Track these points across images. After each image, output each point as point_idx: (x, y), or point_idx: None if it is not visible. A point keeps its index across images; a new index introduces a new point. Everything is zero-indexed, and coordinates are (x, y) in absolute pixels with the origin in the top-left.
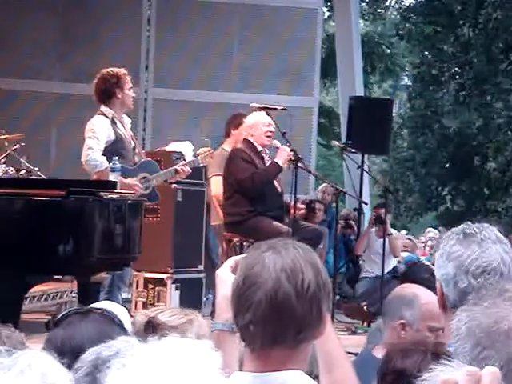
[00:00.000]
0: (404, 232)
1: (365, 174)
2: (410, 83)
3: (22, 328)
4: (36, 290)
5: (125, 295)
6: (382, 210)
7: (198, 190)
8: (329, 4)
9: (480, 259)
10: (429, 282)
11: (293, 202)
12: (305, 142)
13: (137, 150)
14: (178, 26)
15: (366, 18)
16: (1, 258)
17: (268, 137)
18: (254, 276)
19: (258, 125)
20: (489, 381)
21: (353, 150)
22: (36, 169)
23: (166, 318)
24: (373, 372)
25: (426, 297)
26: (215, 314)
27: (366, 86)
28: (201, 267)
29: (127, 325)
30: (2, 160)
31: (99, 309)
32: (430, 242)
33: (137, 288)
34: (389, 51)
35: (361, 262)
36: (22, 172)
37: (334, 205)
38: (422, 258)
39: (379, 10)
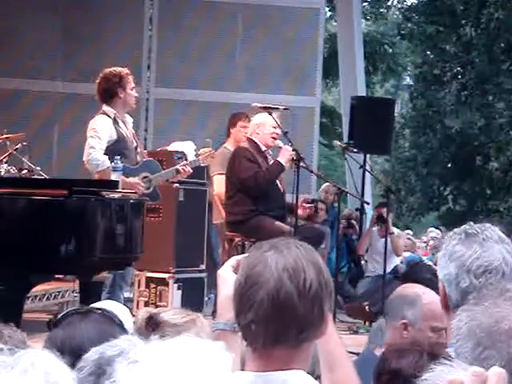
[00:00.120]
0: (410, 232)
1: (367, 173)
2: (411, 83)
3: (24, 327)
4: (38, 289)
5: (127, 295)
6: (384, 210)
7: (200, 190)
8: (331, 4)
9: (482, 259)
10: (430, 282)
11: (295, 202)
12: (307, 142)
13: (139, 150)
14: (180, 26)
15: (368, 17)
16: (3, 258)
17: (273, 138)
18: (256, 275)
19: (265, 125)
20: (495, 381)
21: (355, 150)
22: (38, 168)
23: (168, 316)
24: None
25: (428, 297)
26: (217, 313)
27: (367, 86)
28: (203, 267)
29: (129, 324)
30: (4, 159)
31: (99, 309)
32: (431, 242)
33: (139, 287)
34: (391, 51)
35: (363, 261)
36: (24, 171)
37: (336, 205)
38: (424, 258)
39: (381, 10)
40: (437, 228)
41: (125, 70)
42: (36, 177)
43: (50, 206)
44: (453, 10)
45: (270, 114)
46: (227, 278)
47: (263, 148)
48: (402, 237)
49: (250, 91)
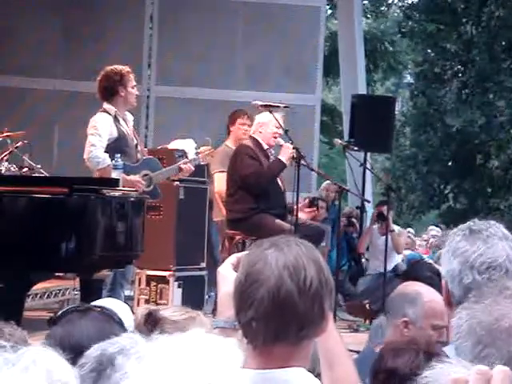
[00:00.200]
0: (411, 230)
1: (367, 171)
2: (412, 81)
3: (25, 325)
4: (38, 287)
5: (127, 293)
6: (385, 207)
7: (200, 188)
8: (331, 2)
9: (485, 255)
10: (431, 280)
11: (296, 201)
12: (307, 140)
13: (139, 148)
14: (180, 24)
15: (369, 16)
16: (3, 256)
17: (275, 138)
18: (256, 273)
19: (268, 124)
20: (500, 379)
21: (355, 148)
22: (38, 166)
23: (167, 313)
24: None
25: (429, 295)
26: (217, 311)
27: (368, 84)
28: (203, 265)
29: (130, 322)
30: (5, 157)
31: (98, 307)
32: (432, 240)
33: (139, 285)
34: (391, 49)
35: (363, 259)
36: (25, 169)
37: (336, 202)
38: (425, 257)
39: (382, 8)
40: (437, 226)
41: (126, 68)
42: (36, 175)
43: (50, 203)
44: (453, 8)
45: (271, 112)
46: (227, 275)
47: (265, 146)
48: (402, 234)
49: (250, 89)
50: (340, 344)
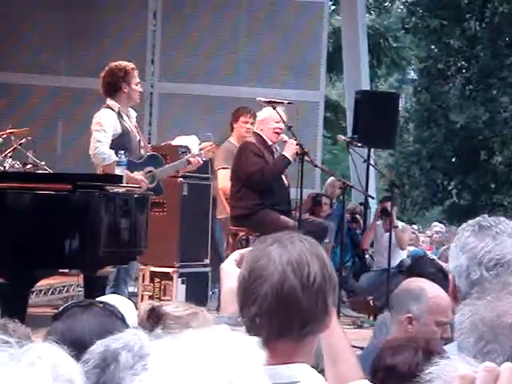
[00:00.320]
0: (415, 227)
1: (371, 168)
2: (416, 77)
3: (29, 322)
4: (42, 283)
5: (131, 289)
6: (389, 203)
7: (204, 184)
8: None
9: (494, 252)
10: (434, 276)
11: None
12: (311, 136)
13: (142, 144)
14: (183, 21)
15: (372, 11)
16: (7, 252)
17: (276, 133)
18: (260, 269)
19: (268, 120)
20: (507, 377)
21: (359, 144)
22: (42, 163)
23: (170, 309)
24: None
25: (433, 291)
26: (220, 307)
27: (371, 80)
28: (207, 261)
29: (133, 318)
30: (9, 154)
31: (101, 302)
32: (435, 236)
33: (143, 282)
34: (395, 44)
35: (367, 256)
36: (29, 166)
37: (341, 198)
38: (429, 253)
39: (385, 4)
40: (441, 222)
41: (130, 65)
42: (40, 171)
43: (54, 200)
44: (457, 3)
45: (275, 109)
46: (230, 271)
47: (269, 143)
48: (406, 230)
49: (254, 86)
50: (343, 340)
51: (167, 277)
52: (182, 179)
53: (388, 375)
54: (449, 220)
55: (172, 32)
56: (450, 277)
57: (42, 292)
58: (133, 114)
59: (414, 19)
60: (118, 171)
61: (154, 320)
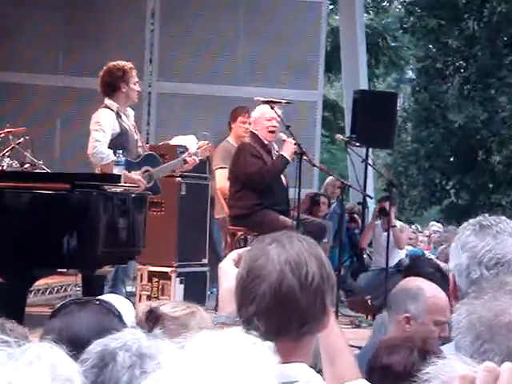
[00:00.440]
0: (417, 226)
1: (369, 167)
2: (414, 77)
3: (26, 321)
4: (40, 283)
5: (129, 289)
6: (387, 203)
7: (202, 184)
8: None
9: (494, 251)
10: (432, 276)
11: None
12: (309, 136)
13: (140, 143)
14: (181, 20)
15: (370, 11)
16: (5, 252)
17: (270, 132)
18: (258, 268)
19: (260, 119)
20: (507, 377)
21: (357, 144)
22: (40, 162)
23: (168, 310)
24: None
25: (431, 290)
26: (218, 307)
27: (370, 80)
28: (205, 261)
29: (131, 318)
30: (7, 153)
31: (98, 300)
32: (433, 236)
33: (141, 281)
34: (393, 44)
35: (365, 255)
36: (27, 165)
37: (339, 198)
38: (427, 252)
39: (383, 4)
40: (438, 222)
41: (129, 65)
42: (38, 171)
43: (52, 199)
44: (455, 3)
45: (272, 108)
46: (228, 271)
47: (266, 142)
48: (405, 230)
49: (252, 85)
50: (341, 339)
51: (165, 276)
52: (179, 179)
53: (384, 375)
54: (447, 219)
55: (170, 32)
56: (451, 275)
57: (40, 291)
58: (131, 113)
59: (412, 19)
60: (116, 171)
61: (152, 321)
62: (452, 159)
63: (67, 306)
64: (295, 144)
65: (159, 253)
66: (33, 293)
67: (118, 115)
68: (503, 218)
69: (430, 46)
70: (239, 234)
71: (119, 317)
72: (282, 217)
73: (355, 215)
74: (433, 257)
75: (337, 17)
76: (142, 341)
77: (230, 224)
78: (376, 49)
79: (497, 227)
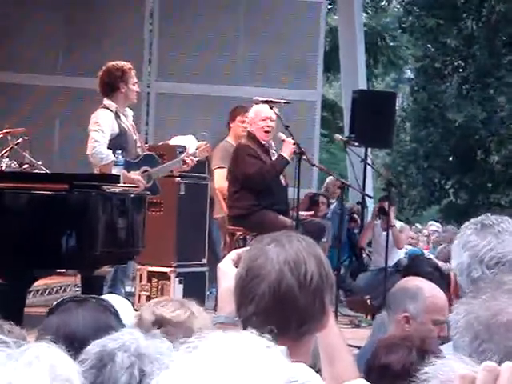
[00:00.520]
0: (418, 225)
1: (368, 167)
2: (412, 76)
3: (25, 322)
4: (39, 283)
5: (128, 289)
6: (386, 203)
7: (201, 184)
8: None
9: (495, 250)
10: (431, 276)
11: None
12: (308, 136)
13: (138, 143)
14: (180, 20)
15: (369, 11)
16: (4, 253)
17: (266, 131)
18: (257, 268)
19: (255, 119)
20: (507, 376)
21: (356, 144)
22: (39, 162)
23: (170, 314)
24: None
25: (430, 290)
26: (217, 306)
27: (368, 79)
28: (204, 261)
29: (131, 318)
30: (5, 154)
31: (95, 297)
32: (433, 236)
33: (140, 282)
34: (392, 43)
35: (364, 255)
36: (25, 166)
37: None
38: (426, 252)
39: (382, 3)
40: (437, 221)
41: (128, 65)
42: (37, 171)
43: (51, 200)
44: (454, 3)
45: (272, 108)
46: (227, 271)
47: (263, 141)
48: (404, 230)
49: (251, 85)
50: (340, 339)
51: (164, 276)
52: (179, 179)
53: (382, 374)
54: (446, 219)
55: (169, 32)
56: (452, 274)
57: (39, 292)
58: (129, 113)
59: (410, 18)
60: (115, 171)
61: (157, 328)
62: (451, 159)
63: (64, 303)
64: (294, 144)
65: (158, 253)
66: (32, 293)
67: (117, 115)
68: (505, 217)
69: (429, 46)
70: (238, 234)
71: (116, 315)
72: (281, 217)
73: (355, 215)
74: (432, 256)
75: (335, 16)
76: (141, 341)
77: (229, 224)
78: (375, 48)
79: (498, 226)
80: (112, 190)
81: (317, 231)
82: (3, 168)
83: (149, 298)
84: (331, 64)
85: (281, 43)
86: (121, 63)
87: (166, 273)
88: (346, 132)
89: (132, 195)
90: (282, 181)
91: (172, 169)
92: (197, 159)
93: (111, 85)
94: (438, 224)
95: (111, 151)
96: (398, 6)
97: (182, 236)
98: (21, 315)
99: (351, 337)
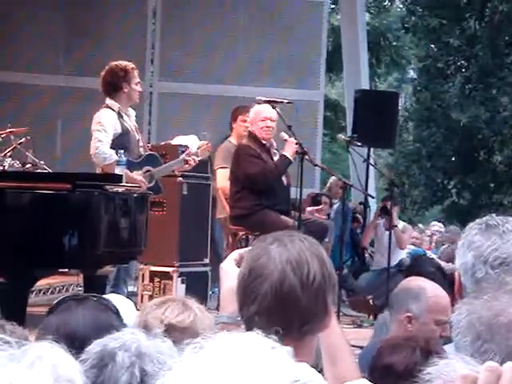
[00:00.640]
0: (421, 226)
1: (370, 167)
2: (415, 76)
3: (28, 321)
4: (42, 283)
5: (131, 288)
6: (389, 202)
7: (203, 184)
8: None
9: (500, 250)
10: (434, 276)
11: (299, 197)
12: (311, 136)
13: (141, 143)
14: (183, 20)
15: (372, 11)
16: (7, 252)
17: (266, 132)
18: (259, 268)
19: (255, 119)
20: (509, 376)
21: (358, 144)
22: (42, 162)
23: (174, 319)
24: None
25: (432, 290)
26: (220, 306)
27: (371, 79)
28: (206, 261)
29: (133, 318)
30: (8, 153)
31: (95, 296)
32: (435, 236)
33: (143, 281)
34: (394, 43)
35: (366, 255)
36: (28, 165)
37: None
38: (428, 252)
39: (384, 3)
40: (439, 222)
41: (130, 65)
42: (40, 171)
43: (54, 199)
44: (457, 3)
45: (274, 108)
46: (230, 271)
47: (263, 141)
48: (407, 230)
49: (254, 85)
50: (342, 339)
51: (167, 276)
52: (181, 179)
53: (385, 374)
54: (448, 219)
55: (172, 32)
56: (456, 274)
57: (42, 292)
58: (132, 113)
59: (413, 18)
60: (117, 171)
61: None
62: (454, 159)
63: (64, 302)
64: (297, 144)
65: (161, 253)
66: (34, 293)
67: (120, 115)
68: (510, 218)
69: (432, 46)
70: (241, 233)
71: (117, 313)
72: (283, 217)
73: (357, 215)
74: (434, 256)
75: (338, 16)
76: (142, 340)
77: (231, 224)
78: (377, 48)
79: (503, 227)
80: (114, 189)
81: (319, 231)
82: (6, 167)
83: (151, 297)
84: (334, 64)
85: (283, 43)
86: (123, 63)
87: (168, 272)
88: (349, 132)
89: (134, 195)
90: (284, 180)
91: (174, 168)
92: (199, 159)
93: (114, 85)
94: (441, 224)
95: (114, 151)
96: (401, 6)
97: (184, 236)
98: (23, 315)
99: (353, 337)
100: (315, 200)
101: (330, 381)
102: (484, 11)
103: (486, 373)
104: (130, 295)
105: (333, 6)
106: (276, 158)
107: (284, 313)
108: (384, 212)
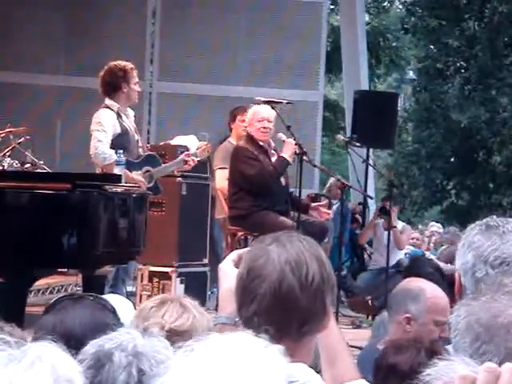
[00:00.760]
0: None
1: (370, 168)
2: (415, 77)
3: (27, 321)
4: (41, 283)
5: (129, 288)
6: (389, 203)
7: (202, 184)
8: None
9: (500, 250)
10: (432, 276)
11: (298, 195)
12: (310, 136)
13: (140, 143)
14: (182, 20)
15: (371, 11)
16: (6, 252)
17: (263, 133)
18: (258, 268)
19: (252, 121)
20: (508, 377)
21: (358, 144)
22: (41, 162)
23: (175, 324)
24: None
25: (431, 291)
26: (218, 307)
27: (370, 80)
28: (205, 261)
29: (131, 318)
30: (7, 153)
31: (91, 295)
32: (433, 237)
33: (141, 281)
34: (394, 44)
35: (365, 255)
36: (27, 165)
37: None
38: (427, 253)
39: (384, 4)
40: (438, 222)
41: (130, 65)
42: (39, 170)
43: (53, 199)
44: (456, 3)
45: (274, 108)
46: (228, 271)
47: (261, 143)
48: (406, 231)
49: (253, 85)
50: (341, 340)
51: (166, 276)
52: (180, 179)
53: (389, 374)
54: (447, 220)
55: (171, 32)
56: (456, 274)
57: (41, 291)
58: (131, 113)
59: (412, 19)
60: (116, 171)
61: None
62: (453, 160)
63: (61, 301)
64: (295, 144)
65: (160, 253)
66: (33, 293)
67: (119, 115)
68: (510, 219)
69: (431, 47)
70: (239, 234)
71: (114, 312)
72: (281, 217)
73: (357, 215)
74: (433, 257)
75: (337, 16)
76: (138, 340)
77: (230, 224)
78: (377, 49)
79: (503, 228)
80: (114, 189)
81: (319, 232)
82: (5, 167)
83: (150, 297)
84: (333, 64)
85: (283, 43)
86: (123, 63)
87: (167, 273)
88: (348, 132)
89: (134, 195)
90: (283, 181)
91: (173, 169)
92: (198, 159)
93: (113, 85)
94: (439, 224)
95: (114, 151)
96: (401, 7)
97: (183, 236)
98: (22, 314)
99: (352, 337)
100: (314, 201)
101: (328, 381)
102: (483, 12)
103: (484, 373)
104: (129, 295)
105: (332, 7)
106: (274, 159)
107: (283, 313)
108: (383, 212)
